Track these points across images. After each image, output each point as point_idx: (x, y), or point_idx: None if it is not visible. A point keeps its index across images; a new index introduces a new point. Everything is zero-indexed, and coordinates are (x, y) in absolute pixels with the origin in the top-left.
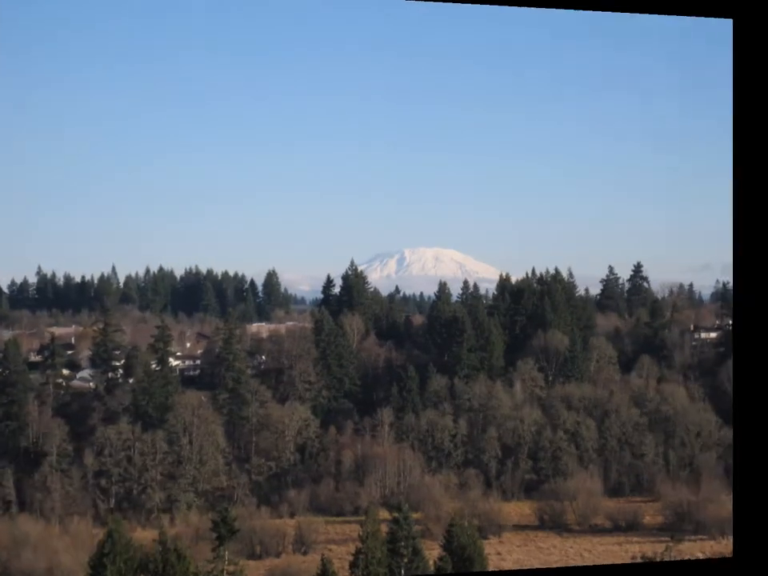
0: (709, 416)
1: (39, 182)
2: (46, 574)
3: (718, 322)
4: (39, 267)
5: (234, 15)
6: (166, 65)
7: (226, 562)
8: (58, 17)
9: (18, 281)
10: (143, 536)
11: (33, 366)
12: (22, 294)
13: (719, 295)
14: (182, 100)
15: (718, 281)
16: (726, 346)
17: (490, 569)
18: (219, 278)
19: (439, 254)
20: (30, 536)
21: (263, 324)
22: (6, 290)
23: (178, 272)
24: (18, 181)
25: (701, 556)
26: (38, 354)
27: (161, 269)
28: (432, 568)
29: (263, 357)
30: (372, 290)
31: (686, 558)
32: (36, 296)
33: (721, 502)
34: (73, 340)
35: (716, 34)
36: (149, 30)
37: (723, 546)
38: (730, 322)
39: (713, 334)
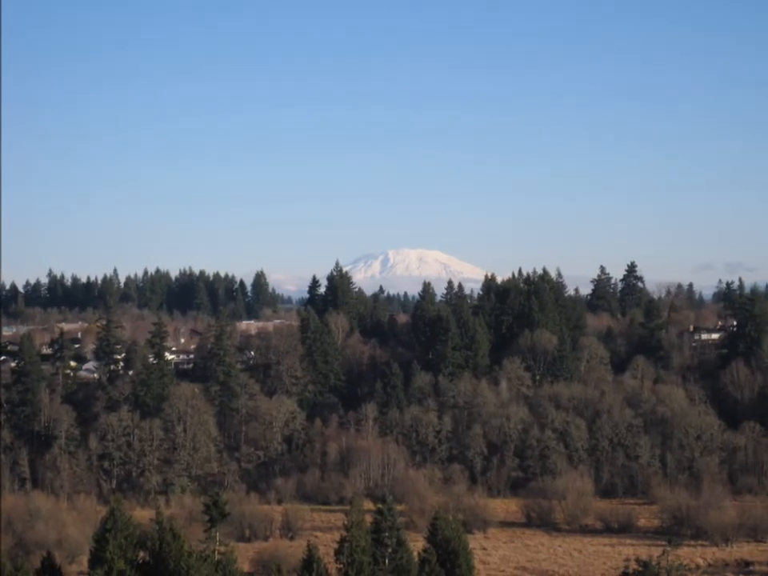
0: (710, 419)
1: (51, 193)
2: (56, 545)
3: (720, 323)
4: (50, 269)
5: (225, 27)
6: (162, 78)
7: (218, 543)
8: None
9: (32, 281)
10: (141, 515)
11: (44, 358)
12: (35, 293)
13: (721, 295)
14: (177, 109)
15: (720, 280)
16: (729, 347)
17: (476, 563)
18: (211, 278)
19: (423, 255)
20: (42, 510)
21: (252, 322)
22: (21, 290)
23: (173, 273)
24: (32, 191)
25: (701, 562)
26: (49, 347)
27: (157, 270)
28: (416, 559)
29: (252, 352)
30: (357, 289)
31: (685, 563)
32: (47, 295)
33: (724, 508)
34: (79, 335)
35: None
36: (146, 49)
37: (726, 554)
38: (734, 322)
39: (714, 335)
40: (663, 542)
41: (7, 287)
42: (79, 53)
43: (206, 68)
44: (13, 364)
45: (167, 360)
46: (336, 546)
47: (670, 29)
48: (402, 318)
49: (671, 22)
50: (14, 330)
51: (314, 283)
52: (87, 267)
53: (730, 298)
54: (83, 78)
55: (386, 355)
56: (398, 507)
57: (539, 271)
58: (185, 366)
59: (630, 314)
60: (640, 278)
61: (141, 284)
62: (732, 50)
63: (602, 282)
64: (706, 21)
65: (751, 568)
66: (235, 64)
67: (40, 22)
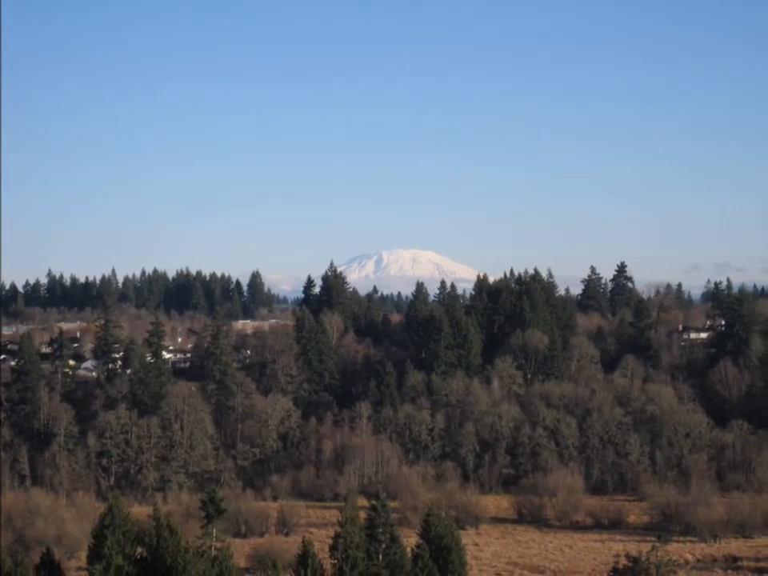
0: (699, 417)
1: (51, 193)
2: (55, 541)
3: (708, 323)
4: (50, 270)
5: (225, 27)
6: (162, 78)
7: (214, 539)
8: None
9: (32, 281)
10: (139, 511)
11: (44, 356)
12: (35, 293)
13: (710, 295)
14: (177, 109)
15: (708, 281)
16: (717, 346)
17: (468, 559)
18: (208, 278)
19: (416, 256)
20: (41, 507)
21: (248, 321)
22: (21, 290)
23: (171, 273)
24: (32, 191)
25: (690, 558)
26: (48, 347)
27: (155, 270)
28: (409, 555)
29: (248, 351)
30: (351, 289)
31: (674, 559)
32: (47, 295)
33: (712, 505)
34: (78, 334)
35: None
36: (146, 49)
37: (715, 549)
38: (722, 322)
39: (703, 335)
40: (652, 538)
41: (7, 287)
42: (79, 53)
43: (206, 68)
44: (13, 363)
45: (164, 359)
46: (330, 541)
47: (660, 29)
48: (396, 318)
49: (668, 21)
50: (14, 329)
51: (309, 283)
52: (86, 267)
53: (719, 298)
54: (83, 78)
55: (380, 354)
56: (392, 504)
57: (530, 271)
58: (182, 365)
59: (620, 313)
60: (630, 278)
61: (138, 284)
62: (729, 51)
63: (592, 282)
64: (704, 21)
65: (739, 563)
66: (235, 64)
67: (40, 22)
